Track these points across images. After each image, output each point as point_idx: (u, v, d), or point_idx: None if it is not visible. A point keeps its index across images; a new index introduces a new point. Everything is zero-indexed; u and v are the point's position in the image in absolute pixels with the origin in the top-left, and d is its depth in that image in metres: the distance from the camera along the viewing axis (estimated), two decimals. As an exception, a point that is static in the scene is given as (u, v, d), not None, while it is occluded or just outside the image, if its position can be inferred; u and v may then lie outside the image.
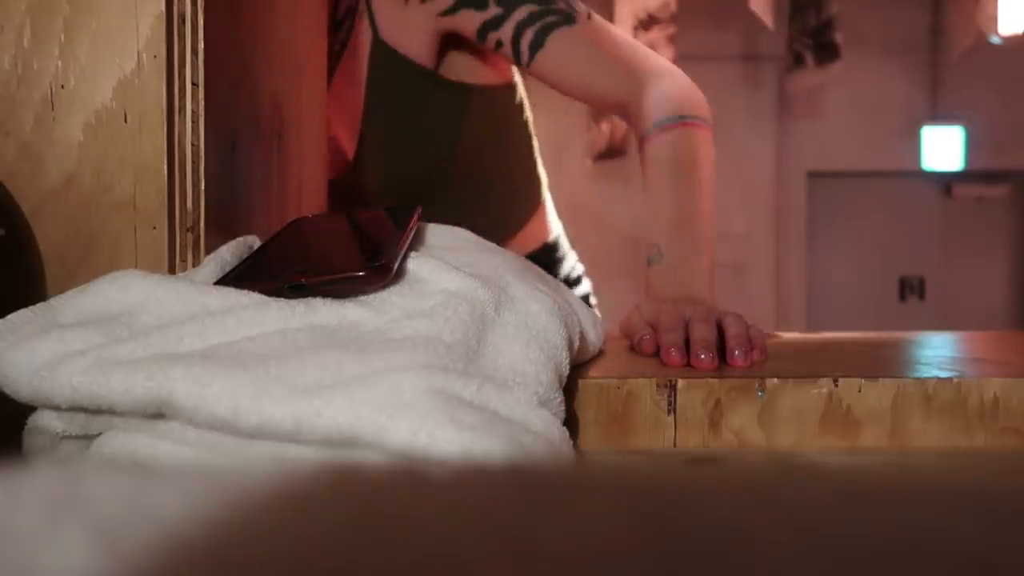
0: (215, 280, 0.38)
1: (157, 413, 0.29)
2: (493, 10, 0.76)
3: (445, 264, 0.39)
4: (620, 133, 3.37)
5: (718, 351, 0.48)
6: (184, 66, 0.45)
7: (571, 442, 0.32)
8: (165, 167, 0.44)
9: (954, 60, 3.52)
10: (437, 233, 0.51)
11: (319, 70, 0.72)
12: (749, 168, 3.69)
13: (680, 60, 2.91)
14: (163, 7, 0.44)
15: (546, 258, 0.99)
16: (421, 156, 0.87)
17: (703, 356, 0.47)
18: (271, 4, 0.58)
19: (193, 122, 0.46)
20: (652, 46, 2.86)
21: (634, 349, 0.55)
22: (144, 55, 0.44)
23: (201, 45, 0.46)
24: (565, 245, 1.04)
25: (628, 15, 2.89)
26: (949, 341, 0.66)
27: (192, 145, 0.46)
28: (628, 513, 0.11)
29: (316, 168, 0.71)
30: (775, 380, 0.41)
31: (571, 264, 1.04)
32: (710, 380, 0.41)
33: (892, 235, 3.96)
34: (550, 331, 0.37)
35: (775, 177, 3.79)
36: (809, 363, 0.49)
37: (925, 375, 0.42)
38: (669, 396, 0.41)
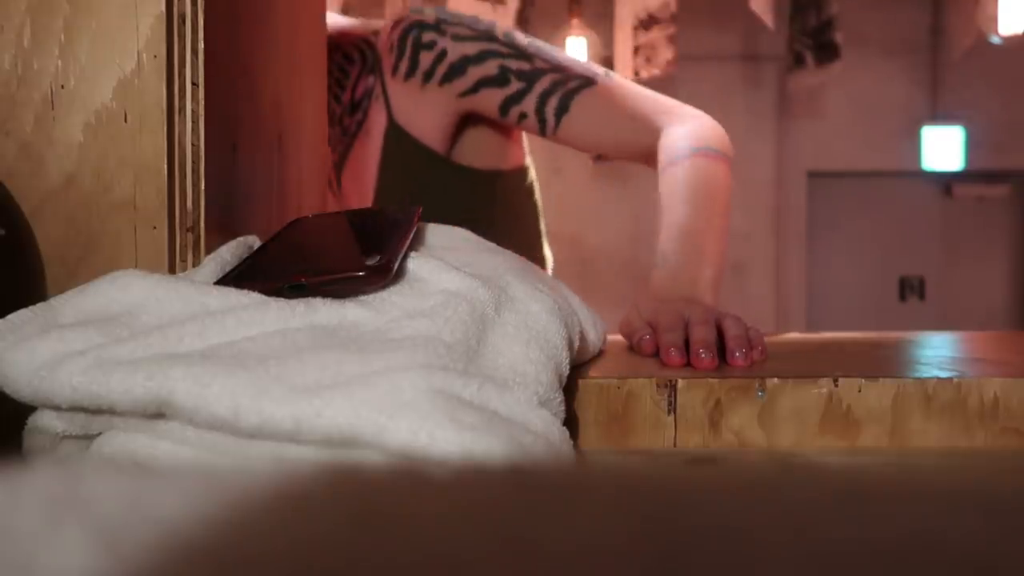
0: (215, 280, 0.38)
1: (157, 413, 0.29)
2: (515, 85, 0.79)
3: (445, 264, 0.39)
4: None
5: (718, 351, 0.48)
6: (184, 66, 0.45)
7: (571, 442, 0.32)
8: (165, 167, 0.44)
9: (954, 60, 3.52)
10: (437, 233, 0.51)
11: (319, 70, 0.72)
12: (749, 168, 3.68)
13: (680, 60, 2.92)
14: (163, 7, 0.44)
15: None
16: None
17: (703, 355, 0.47)
18: (271, 4, 0.58)
19: (193, 122, 0.46)
20: (652, 46, 2.86)
21: (633, 349, 0.55)
22: (144, 55, 0.44)
23: (201, 45, 0.46)
24: None
25: (628, 15, 2.89)
26: (949, 341, 0.66)
27: (192, 145, 0.46)
28: (628, 513, 0.11)
29: (316, 168, 0.71)
30: (775, 380, 0.41)
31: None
32: (710, 380, 0.41)
33: (892, 235, 3.95)
34: (550, 331, 0.37)
35: (775, 177, 3.79)
36: (809, 363, 0.49)
37: (925, 375, 0.42)
38: (669, 396, 0.41)
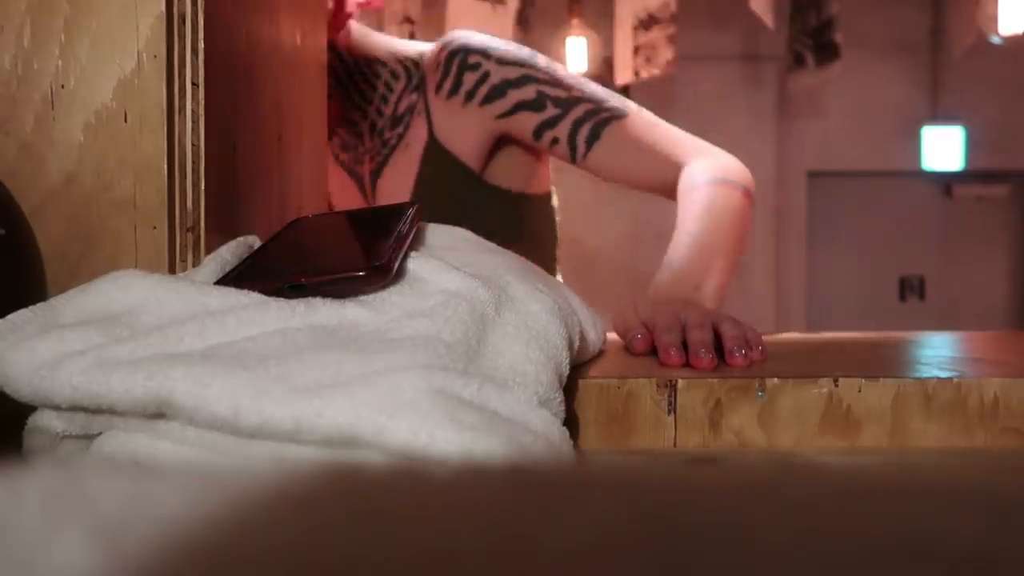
0: (215, 280, 0.38)
1: (157, 413, 0.29)
2: (551, 111, 0.83)
3: (445, 264, 0.39)
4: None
5: (716, 352, 0.48)
6: (184, 66, 0.45)
7: (571, 442, 0.32)
8: (165, 167, 0.44)
9: (954, 60, 3.52)
10: (437, 233, 0.51)
11: (319, 70, 0.72)
12: (749, 168, 3.68)
13: (680, 60, 2.91)
14: (163, 7, 0.44)
15: None
16: None
17: (703, 355, 0.47)
18: (271, 4, 0.58)
19: (193, 122, 0.46)
20: (652, 46, 2.86)
21: (626, 347, 0.55)
22: (144, 55, 0.44)
23: (201, 45, 0.46)
24: None
25: (628, 15, 2.89)
26: (949, 341, 0.66)
27: (192, 145, 0.46)
28: (628, 512, 0.11)
29: (316, 168, 0.71)
30: (775, 380, 0.41)
31: None
32: (710, 380, 0.41)
33: (892, 235, 3.95)
34: (550, 331, 0.37)
35: (775, 177, 3.79)
36: (809, 363, 0.49)
37: (925, 375, 0.42)
38: (669, 396, 0.41)
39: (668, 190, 0.85)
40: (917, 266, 3.98)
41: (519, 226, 0.94)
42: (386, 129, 0.92)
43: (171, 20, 0.44)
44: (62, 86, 0.44)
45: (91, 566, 0.10)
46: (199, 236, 0.46)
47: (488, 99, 0.84)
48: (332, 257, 0.43)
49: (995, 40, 2.67)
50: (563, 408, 0.34)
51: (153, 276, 0.35)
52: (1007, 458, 0.40)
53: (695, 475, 0.14)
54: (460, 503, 0.12)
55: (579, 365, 0.45)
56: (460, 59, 0.85)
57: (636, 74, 2.87)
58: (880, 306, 3.96)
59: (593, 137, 0.83)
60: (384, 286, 0.38)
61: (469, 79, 0.84)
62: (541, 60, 0.86)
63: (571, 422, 0.40)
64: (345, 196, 0.97)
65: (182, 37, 0.45)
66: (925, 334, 0.74)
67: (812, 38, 3.19)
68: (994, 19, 2.59)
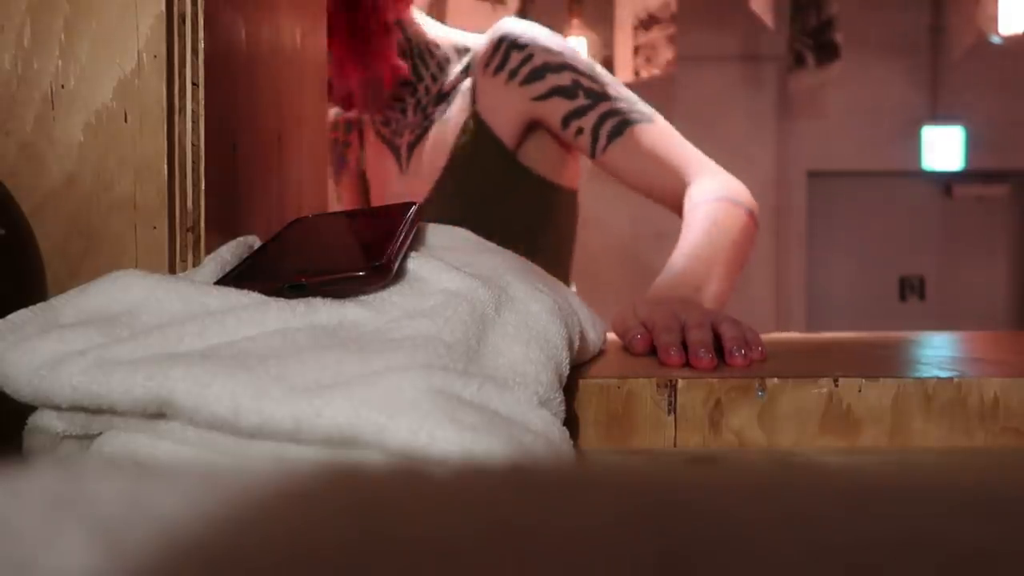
0: (215, 280, 0.38)
1: (157, 413, 0.29)
2: (582, 100, 0.87)
3: (445, 264, 0.39)
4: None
5: (716, 352, 0.48)
6: (184, 66, 0.45)
7: (571, 442, 0.32)
8: (165, 167, 0.44)
9: (954, 60, 3.52)
10: (437, 233, 0.51)
11: (319, 70, 0.72)
12: (749, 168, 3.68)
13: (680, 60, 2.91)
14: (163, 7, 0.44)
15: None
16: (475, 228, 0.93)
17: (703, 355, 0.47)
18: (271, 4, 0.58)
19: (193, 122, 0.46)
20: (652, 46, 2.86)
21: (625, 347, 0.55)
22: (144, 55, 0.44)
23: (201, 45, 0.46)
24: None
25: (628, 15, 2.89)
26: (949, 341, 0.66)
27: (192, 145, 0.46)
28: (628, 512, 0.11)
29: (316, 168, 0.71)
30: (775, 380, 0.41)
31: None
32: (710, 380, 0.41)
33: (892, 235, 3.95)
34: (550, 331, 0.37)
35: (775, 177, 3.79)
36: (809, 363, 0.49)
37: (925, 375, 0.42)
38: (669, 396, 0.41)
39: (671, 202, 0.88)
40: (917, 266, 3.98)
41: (546, 215, 0.98)
42: (430, 105, 0.97)
43: (171, 20, 0.44)
44: (62, 86, 0.44)
45: (91, 566, 0.10)
46: (199, 236, 0.46)
47: (528, 80, 0.89)
48: (332, 257, 0.43)
49: (995, 40, 2.67)
50: (563, 408, 0.34)
51: (153, 276, 0.35)
52: (1007, 458, 0.40)
53: (695, 475, 0.14)
54: (460, 502, 0.12)
55: (579, 365, 0.45)
56: (510, 40, 0.91)
57: (636, 74, 2.87)
58: (880, 306, 3.96)
59: (615, 133, 0.86)
60: (384, 286, 0.38)
61: (515, 58, 0.89)
62: (583, 56, 0.91)
63: (571, 422, 0.40)
64: (381, 167, 1.02)
65: (182, 37, 0.45)
66: (925, 334, 0.74)
67: (812, 38, 3.19)
68: (994, 19, 2.59)
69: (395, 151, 1.00)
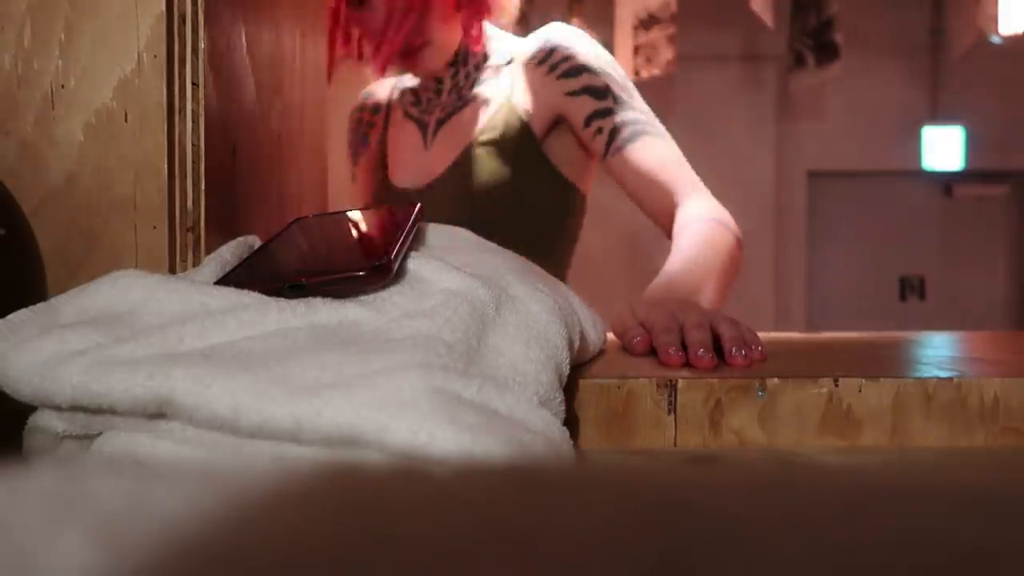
0: (215, 280, 0.38)
1: (158, 413, 0.29)
2: (607, 103, 0.92)
3: (446, 264, 0.39)
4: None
5: (715, 352, 0.48)
6: (184, 66, 0.45)
7: (571, 442, 0.32)
8: (165, 167, 0.44)
9: (954, 60, 3.52)
10: (438, 233, 0.51)
11: (319, 70, 0.72)
12: (749, 168, 3.68)
13: (680, 60, 2.91)
14: (163, 7, 0.44)
15: None
16: (488, 207, 0.99)
17: (702, 355, 0.47)
18: (271, 4, 0.58)
19: (193, 122, 0.46)
20: (652, 46, 2.85)
21: (624, 348, 0.55)
22: (144, 55, 0.44)
23: (201, 45, 0.46)
24: None
25: (628, 15, 2.89)
26: (949, 341, 0.66)
27: (192, 145, 0.46)
28: (628, 511, 0.11)
29: (316, 168, 0.71)
30: (775, 380, 0.41)
31: None
32: (710, 380, 0.41)
33: (892, 235, 3.95)
34: (550, 331, 0.37)
35: (775, 177, 3.79)
36: (809, 363, 0.49)
37: (925, 375, 0.42)
38: (669, 396, 0.41)
39: (661, 218, 0.92)
40: (917, 266, 3.97)
41: (561, 216, 1.01)
42: (465, 88, 1.01)
43: (171, 20, 0.44)
44: (62, 86, 0.44)
45: (91, 566, 0.10)
46: (199, 236, 0.46)
47: (566, 74, 0.93)
48: (332, 257, 0.43)
49: (995, 40, 2.67)
50: (563, 408, 0.34)
51: (153, 276, 0.35)
52: (1007, 458, 0.40)
53: (695, 474, 0.14)
54: (460, 502, 0.12)
55: (579, 365, 0.45)
56: (557, 39, 0.96)
57: (636, 74, 2.87)
58: (880, 306, 3.96)
59: (630, 139, 0.91)
60: (384, 286, 0.38)
61: (558, 54, 0.94)
62: (620, 67, 0.97)
63: (571, 422, 0.40)
64: (403, 142, 1.05)
65: (182, 37, 0.45)
66: (925, 334, 0.74)
67: (812, 38, 3.19)
68: (994, 19, 2.59)
69: (423, 127, 1.03)
